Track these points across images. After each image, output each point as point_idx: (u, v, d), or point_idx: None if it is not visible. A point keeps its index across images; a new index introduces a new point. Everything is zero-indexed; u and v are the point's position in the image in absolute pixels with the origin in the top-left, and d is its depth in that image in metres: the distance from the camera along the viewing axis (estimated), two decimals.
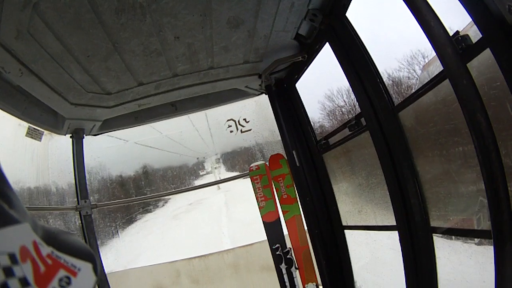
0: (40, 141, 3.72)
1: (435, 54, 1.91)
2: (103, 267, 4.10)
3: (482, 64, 1.76)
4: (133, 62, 3.16)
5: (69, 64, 2.89)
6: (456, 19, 1.93)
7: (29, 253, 0.61)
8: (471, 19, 1.73)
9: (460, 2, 1.72)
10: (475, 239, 2.18)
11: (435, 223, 2.44)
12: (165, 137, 5.01)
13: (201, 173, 6.08)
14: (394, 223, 2.77)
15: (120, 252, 4.98)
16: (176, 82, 3.75)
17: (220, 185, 5.14)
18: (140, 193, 5.61)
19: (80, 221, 4.12)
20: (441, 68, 2.00)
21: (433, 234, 2.46)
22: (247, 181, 4.37)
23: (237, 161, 5.66)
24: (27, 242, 0.61)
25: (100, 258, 4.12)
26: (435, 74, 2.11)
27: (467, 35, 1.82)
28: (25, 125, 3.43)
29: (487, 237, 1.76)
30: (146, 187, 5.67)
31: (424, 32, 1.89)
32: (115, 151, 4.86)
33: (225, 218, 11.64)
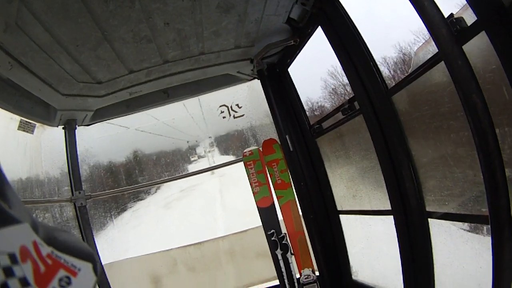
0: (32, 133, 3.69)
1: (428, 38, 1.90)
2: (100, 259, 4.12)
3: (477, 47, 1.75)
4: (123, 49, 3.12)
5: (58, 54, 2.84)
6: (450, 1, 1.92)
7: (29, 253, 0.61)
8: (465, 2, 1.72)
9: None
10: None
11: (430, 207, 2.47)
12: (161, 123, 4.98)
13: (192, 159, 6.06)
14: (389, 208, 2.80)
15: (110, 245, 4.98)
16: (167, 68, 3.72)
17: (214, 170, 5.13)
18: (134, 181, 5.60)
19: (74, 212, 4.12)
20: (433, 52, 2.00)
21: (429, 219, 2.50)
22: (242, 166, 4.37)
23: (231, 145, 5.65)
24: (27, 242, 0.62)
25: (97, 249, 4.13)
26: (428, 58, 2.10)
27: (462, 17, 1.81)
28: (17, 118, 3.39)
29: (484, 222, 1.78)
30: (139, 175, 5.65)
31: (418, 13, 1.87)
32: (108, 140, 4.84)
33: (219, 206, 11.29)
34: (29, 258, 0.61)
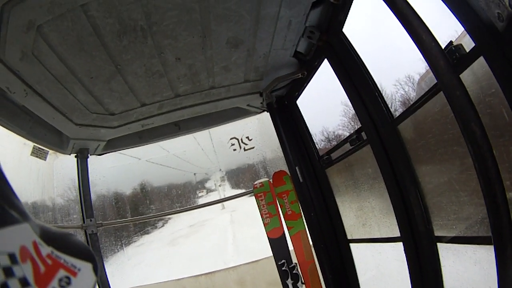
0: (45, 160, 3.76)
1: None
2: (109, 283, 4.06)
3: (477, 72, 1.78)
4: (135, 83, 3.23)
5: (73, 85, 2.95)
6: (450, 28, 1.96)
7: (29, 253, 0.61)
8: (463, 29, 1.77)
9: (451, 11, 1.76)
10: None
11: (439, 232, 2.42)
12: (171, 155, 5.02)
13: (199, 194, 5.99)
14: (399, 234, 2.75)
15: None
16: (178, 102, 3.80)
17: (225, 204, 5.09)
18: (143, 212, 5.57)
19: (85, 239, 4.11)
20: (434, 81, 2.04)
21: (438, 243, 2.44)
22: (254, 200, 4.34)
23: (242, 178, 5.64)
24: (27, 242, 0.62)
25: (107, 277, 4.08)
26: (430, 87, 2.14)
27: (461, 44, 1.85)
28: (30, 144, 3.47)
29: (488, 243, 1.75)
30: (149, 205, 5.64)
31: (416, 46, 1.91)
32: (121, 170, 4.88)
33: (231, 246, 10.31)
34: (29, 258, 0.61)
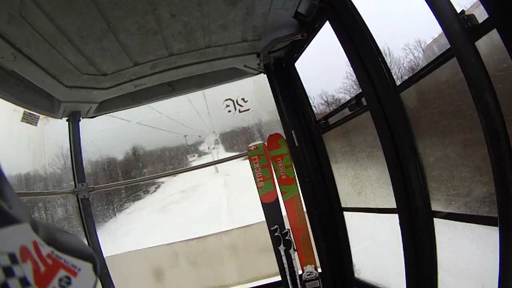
0: (36, 125, 3.70)
1: (437, 35, 1.86)
2: (103, 255, 4.14)
3: (489, 45, 1.71)
4: (128, 41, 3.10)
5: (62, 45, 2.82)
6: None
7: (29, 253, 0.60)
8: None
9: None
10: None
11: (436, 207, 2.44)
12: (164, 117, 4.96)
13: (190, 159, 5.94)
14: (395, 206, 2.77)
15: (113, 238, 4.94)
16: (172, 61, 3.70)
17: (218, 167, 5.11)
18: (135, 176, 5.58)
19: (77, 204, 4.14)
20: (441, 51, 1.96)
21: (434, 218, 2.47)
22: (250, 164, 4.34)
23: (236, 141, 5.62)
24: (27, 242, 0.61)
25: (99, 242, 4.15)
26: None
27: (473, 14, 1.77)
28: (20, 110, 3.40)
29: (492, 224, 1.75)
30: (143, 168, 5.64)
31: (430, 8, 1.82)
32: (112, 133, 4.83)
33: (225, 214, 9.82)
34: (29, 258, 0.60)
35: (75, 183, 4.16)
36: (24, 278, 0.57)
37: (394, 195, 2.75)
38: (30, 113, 3.52)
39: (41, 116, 3.75)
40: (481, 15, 1.72)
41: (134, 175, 5.60)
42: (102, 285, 4.09)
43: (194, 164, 5.42)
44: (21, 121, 3.46)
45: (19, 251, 0.58)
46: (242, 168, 4.53)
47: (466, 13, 1.79)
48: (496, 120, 1.57)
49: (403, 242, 2.74)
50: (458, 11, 1.80)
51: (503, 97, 1.65)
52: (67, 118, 4.14)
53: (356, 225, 3.69)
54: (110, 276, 4.17)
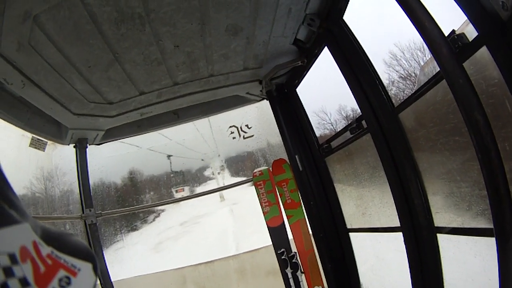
0: (43, 151, 3.74)
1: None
2: (109, 275, 4.09)
3: (480, 62, 1.76)
4: (134, 71, 3.19)
5: (70, 74, 2.92)
6: (452, 17, 1.93)
7: (29, 253, 0.61)
8: (466, 18, 1.74)
9: (455, 0, 1.73)
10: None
11: (439, 222, 2.43)
12: (173, 143, 5.00)
13: (174, 189, 5.84)
14: (398, 224, 2.76)
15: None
16: (177, 90, 3.78)
17: (224, 196, 5.08)
18: (139, 202, 5.56)
19: (85, 230, 4.13)
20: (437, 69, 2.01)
21: (438, 234, 2.45)
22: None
23: (241, 167, 5.62)
24: (27, 242, 0.62)
25: (106, 267, 4.12)
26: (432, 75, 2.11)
27: (463, 33, 1.82)
28: (28, 135, 3.45)
29: (490, 235, 1.75)
30: (150, 191, 5.62)
31: (419, 33, 1.89)
32: (118, 160, 4.87)
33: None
34: (29, 258, 0.61)
35: (82, 208, 4.16)
36: (24, 278, 0.58)
37: (397, 214, 2.74)
38: (38, 138, 3.57)
39: (49, 142, 3.80)
40: (473, 32, 1.77)
41: (140, 202, 5.58)
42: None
43: (200, 187, 5.40)
44: (29, 146, 3.51)
45: (19, 251, 0.59)
46: (253, 197, 4.34)
47: (457, 32, 1.85)
48: (486, 138, 1.61)
49: (408, 259, 2.71)
50: (449, 31, 1.86)
51: (495, 112, 1.68)
52: (74, 144, 4.19)
53: (362, 245, 3.65)
54: (109, 276, 4.12)
